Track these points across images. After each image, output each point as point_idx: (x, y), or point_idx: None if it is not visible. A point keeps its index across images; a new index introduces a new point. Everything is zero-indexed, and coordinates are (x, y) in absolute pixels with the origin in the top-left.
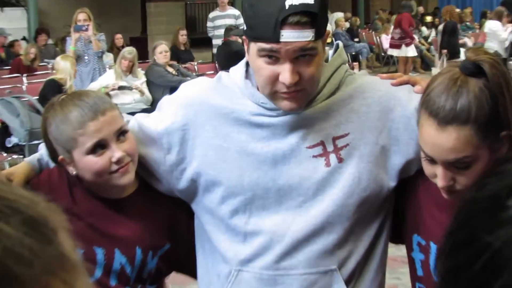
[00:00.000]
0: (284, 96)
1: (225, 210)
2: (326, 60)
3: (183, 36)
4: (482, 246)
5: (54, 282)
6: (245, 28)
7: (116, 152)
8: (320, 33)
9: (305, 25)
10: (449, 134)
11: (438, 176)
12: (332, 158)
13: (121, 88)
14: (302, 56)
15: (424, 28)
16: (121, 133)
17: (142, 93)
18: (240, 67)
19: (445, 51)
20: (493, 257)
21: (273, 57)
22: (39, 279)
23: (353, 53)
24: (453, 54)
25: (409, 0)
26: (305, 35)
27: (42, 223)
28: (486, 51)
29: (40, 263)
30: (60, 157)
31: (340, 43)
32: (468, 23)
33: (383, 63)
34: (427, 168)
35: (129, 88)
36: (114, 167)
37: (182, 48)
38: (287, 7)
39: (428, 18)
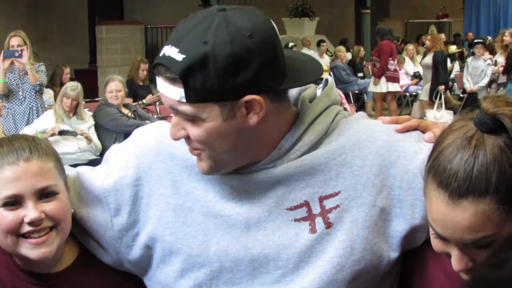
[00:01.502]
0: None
1: (185, 285)
2: (312, 101)
3: (144, 71)
4: None
5: None
6: None
7: (31, 211)
8: (204, 97)
9: (170, 80)
10: (464, 211)
11: (453, 258)
12: (319, 222)
13: (62, 133)
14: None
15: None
16: (47, 193)
17: (89, 140)
18: None
19: (442, 87)
20: None
21: None
22: None
23: (356, 92)
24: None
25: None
26: (172, 92)
27: None
28: (508, 101)
29: None
30: None
31: (330, 79)
32: None
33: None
34: (438, 246)
35: (73, 134)
36: (26, 228)
37: (141, 83)
38: (161, 54)
39: (453, 48)
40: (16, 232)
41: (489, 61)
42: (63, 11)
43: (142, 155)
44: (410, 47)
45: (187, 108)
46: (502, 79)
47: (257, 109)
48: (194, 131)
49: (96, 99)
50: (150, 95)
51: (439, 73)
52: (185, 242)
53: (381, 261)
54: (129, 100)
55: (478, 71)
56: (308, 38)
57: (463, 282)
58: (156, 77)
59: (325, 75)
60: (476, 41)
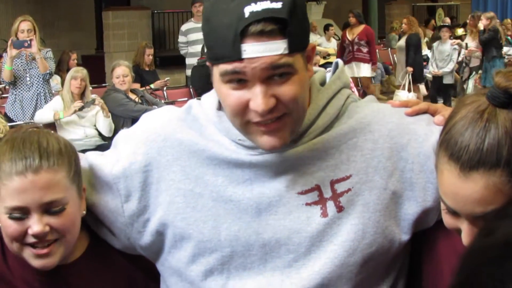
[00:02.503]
0: (262, 129)
1: (197, 271)
2: (323, 84)
3: (149, 56)
4: None
5: None
6: (205, 50)
7: (35, 224)
8: (297, 45)
9: (272, 35)
10: (474, 183)
11: (464, 233)
12: (330, 206)
13: (82, 108)
14: (275, 75)
15: None
16: (54, 208)
17: (106, 112)
18: (212, 95)
19: (410, 69)
20: None
21: (239, 80)
22: None
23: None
24: (417, 77)
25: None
26: (274, 48)
27: None
28: None
29: None
30: None
31: (340, 62)
32: (509, 37)
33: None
34: (449, 222)
35: (92, 103)
36: (31, 239)
37: (147, 68)
38: (247, 15)
39: (460, 31)
40: (21, 241)
41: (455, 46)
42: None
43: (151, 141)
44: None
45: (288, 59)
46: (475, 62)
47: (311, 59)
48: (290, 88)
49: (103, 84)
50: (158, 80)
51: (409, 55)
52: (196, 227)
53: (393, 244)
54: (136, 86)
55: (443, 56)
56: (314, 22)
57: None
58: (243, 44)
59: (334, 59)
60: (442, 24)
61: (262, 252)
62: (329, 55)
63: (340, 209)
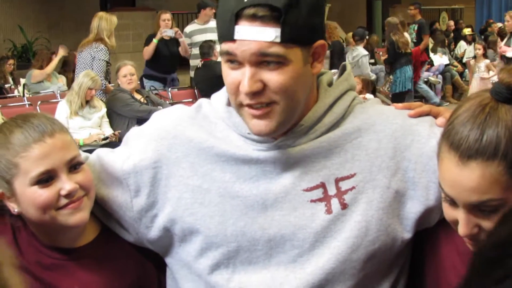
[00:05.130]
0: (251, 112)
1: (204, 264)
2: (330, 85)
3: None
4: None
5: None
6: (204, 51)
7: (66, 183)
8: (294, 37)
9: (265, 21)
10: (471, 171)
11: (460, 224)
12: (335, 203)
13: (105, 139)
14: (265, 62)
15: (463, 43)
16: (75, 164)
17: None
18: (222, 93)
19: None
20: None
21: (235, 61)
22: None
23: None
24: None
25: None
26: (265, 34)
27: None
28: None
29: None
30: (0, 191)
31: (348, 65)
32: None
33: None
34: (448, 212)
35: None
36: (63, 201)
37: None
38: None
39: (467, 31)
40: (54, 207)
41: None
42: None
43: (161, 138)
44: None
45: (278, 49)
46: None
47: (320, 57)
48: (279, 77)
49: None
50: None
51: (333, 63)
52: (203, 222)
53: (395, 242)
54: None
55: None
56: None
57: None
58: (237, 25)
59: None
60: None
61: (267, 247)
62: None
63: (344, 206)
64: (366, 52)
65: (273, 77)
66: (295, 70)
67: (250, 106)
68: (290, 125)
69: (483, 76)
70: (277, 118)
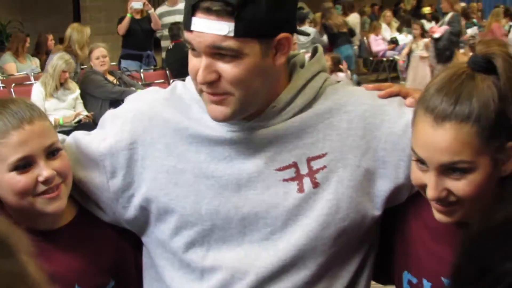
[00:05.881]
0: (209, 97)
1: (179, 243)
2: (302, 66)
3: None
4: (496, 276)
5: None
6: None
7: (44, 169)
8: (250, 31)
9: (220, 15)
10: (445, 132)
11: (429, 185)
12: (306, 182)
13: (79, 122)
14: (220, 54)
15: (424, 22)
16: (53, 150)
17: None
18: None
19: None
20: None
21: (194, 49)
22: None
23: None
24: None
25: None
26: (218, 27)
27: (2, 240)
28: (500, 43)
29: (2, 278)
30: None
31: (320, 47)
32: (474, 20)
33: (371, 68)
34: (417, 176)
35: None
36: (41, 188)
37: None
38: None
39: (426, 10)
40: (32, 193)
41: None
42: None
43: (137, 120)
44: (388, 13)
45: (232, 43)
46: None
47: (285, 49)
48: (233, 69)
49: (82, 67)
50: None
51: None
52: (178, 202)
53: (365, 219)
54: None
55: None
56: None
57: (445, 232)
58: (193, 17)
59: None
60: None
61: (241, 226)
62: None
63: (315, 185)
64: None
65: (228, 69)
66: (251, 63)
67: (209, 93)
68: (249, 112)
69: (421, 54)
70: (232, 106)
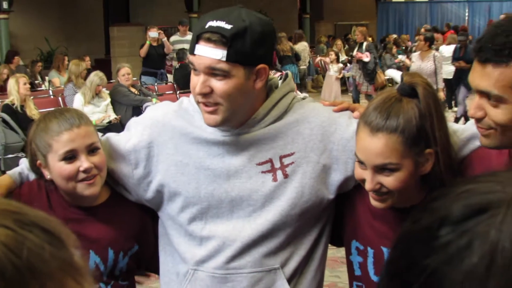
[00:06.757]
0: (204, 108)
1: (184, 217)
2: (276, 87)
3: None
4: (420, 268)
5: (67, 279)
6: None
7: (84, 162)
8: (238, 58)
9: (217, 44)
10: (378, 140)
11: (367, 180)
12: (279, 174)
13: (109, 123)
14: (214, 73)
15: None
16: (93, 149)
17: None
18: None
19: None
20: (430, 276)
21: (196, 69)
22: (55, 275)
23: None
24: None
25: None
26: (214, 53)
27: (56, 234)
28: (420, 75)
29: (56, 263)
30: (38, 161)
31: (289, 73)
32: (403, 47)
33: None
34: (358, 172)
35: (110, 122)
36: (81, 175)
37: None
38: (206, 26)
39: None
40: (74, 179)
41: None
42: (85, 14)
43: (153, 126)
44: (338, 42)
45: (224, 66)
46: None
47: (263, 77)
48: (223, 86)
49: (111, 81)
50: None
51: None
52: (183, 187)
53: (322, 201)
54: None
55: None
56: None
57: (381, 215)
58: (197, 44)
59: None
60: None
61: (230, 206)
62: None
63: (286, 176)
64: None
65: (219, 86)
66: (236, 82)
67: (203, 103)
68: (237, 120)
69: (336, 76)
70: (222, 114)
